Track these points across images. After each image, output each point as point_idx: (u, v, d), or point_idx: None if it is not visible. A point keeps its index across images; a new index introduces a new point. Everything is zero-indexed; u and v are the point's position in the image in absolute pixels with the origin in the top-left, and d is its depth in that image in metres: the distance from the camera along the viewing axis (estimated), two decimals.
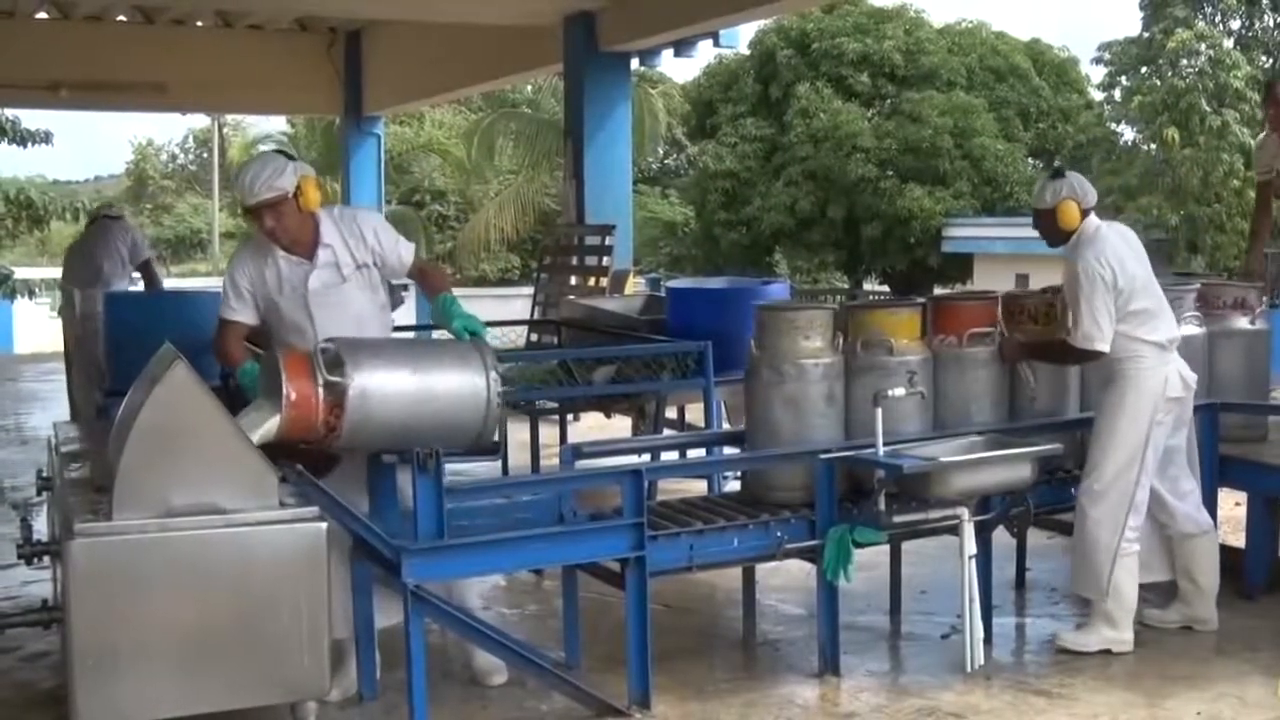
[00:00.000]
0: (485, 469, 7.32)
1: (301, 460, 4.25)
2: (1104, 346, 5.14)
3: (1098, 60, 27.42)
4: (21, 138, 18.33)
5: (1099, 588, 5.23)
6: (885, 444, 4.84)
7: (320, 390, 4.18)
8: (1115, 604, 5.22)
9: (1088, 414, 5.49)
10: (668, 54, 12.23)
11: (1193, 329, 5.91)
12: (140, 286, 10.03)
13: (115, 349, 6.69)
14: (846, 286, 28.44)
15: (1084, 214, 5.26)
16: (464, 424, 4.39)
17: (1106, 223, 5.32)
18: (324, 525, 4.12)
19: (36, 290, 19.79)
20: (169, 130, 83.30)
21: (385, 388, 4.26)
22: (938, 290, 23.52)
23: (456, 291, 4.98)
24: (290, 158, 4.83)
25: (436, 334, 5.59)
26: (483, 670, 4.99)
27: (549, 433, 8.20)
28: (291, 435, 4.18)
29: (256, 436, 4.12)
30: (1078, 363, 5.47)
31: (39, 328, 21.16)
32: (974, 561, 4.95)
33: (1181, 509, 5.44)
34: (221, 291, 4.94)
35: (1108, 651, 5.22)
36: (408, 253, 4.97)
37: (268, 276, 4.80)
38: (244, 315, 4.84)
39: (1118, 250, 5.18)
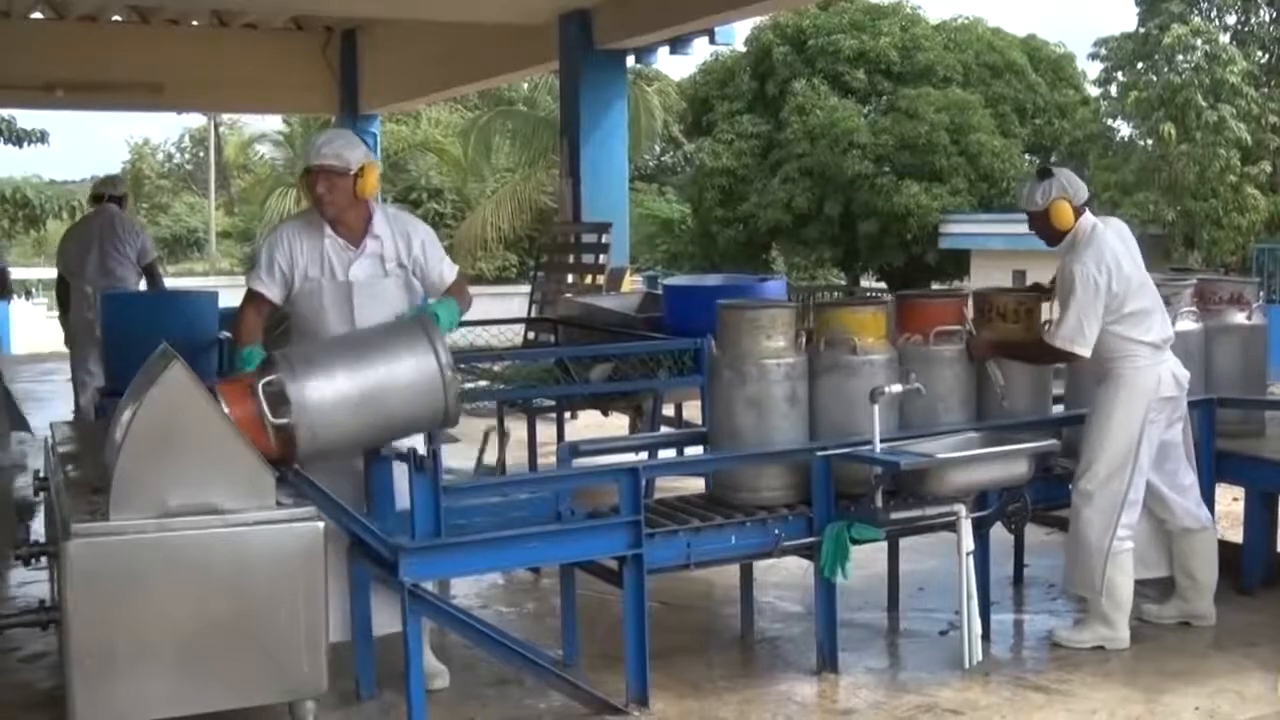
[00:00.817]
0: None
1: None
2: (1084, 351, 5.13)
3: (1094, 56, 27.42)
4: (17, 137, 18.32)
5: (1093, 587, 5.23)
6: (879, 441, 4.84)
7: (270, 432, 4.20)
8: (1110, 603, 5.21)
9: (1079, 411, 5.49)
10: (663, 51, 12.22)
11: (1190, 324, 5.91)
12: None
13: (113, 348, 6.69)
14: (843, 283, 28.45)
15: (1078, 211, 5.24)
16: (426, 409, 4.38)
17: (1102, 220, 5.29)
18: (321, 524, 4.12)
19: (33, 290, 19.76)
20: (165, 130, 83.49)
21: (334, 413, 4.25)
22: (935, 287, 23.55)
23: None
24: (367, 145, 4.91)
25: None
26: (426, 674, 4.94)
27: (546, 431, 8.20)
28: None
29: None
30: (1052, 362, 5.43)
31: (36, 327, 21.13)
32: (971, 558, 4.95)
33: (1181, 504, 5.44)
34: (254, 260, 4.93)
35: (1104, 647, 5.23)
36: (450, 272, 4.97)
37: (318, 251, 4.78)
38: (270, 290, 4.82)
39: (1115, 254, 5.15)
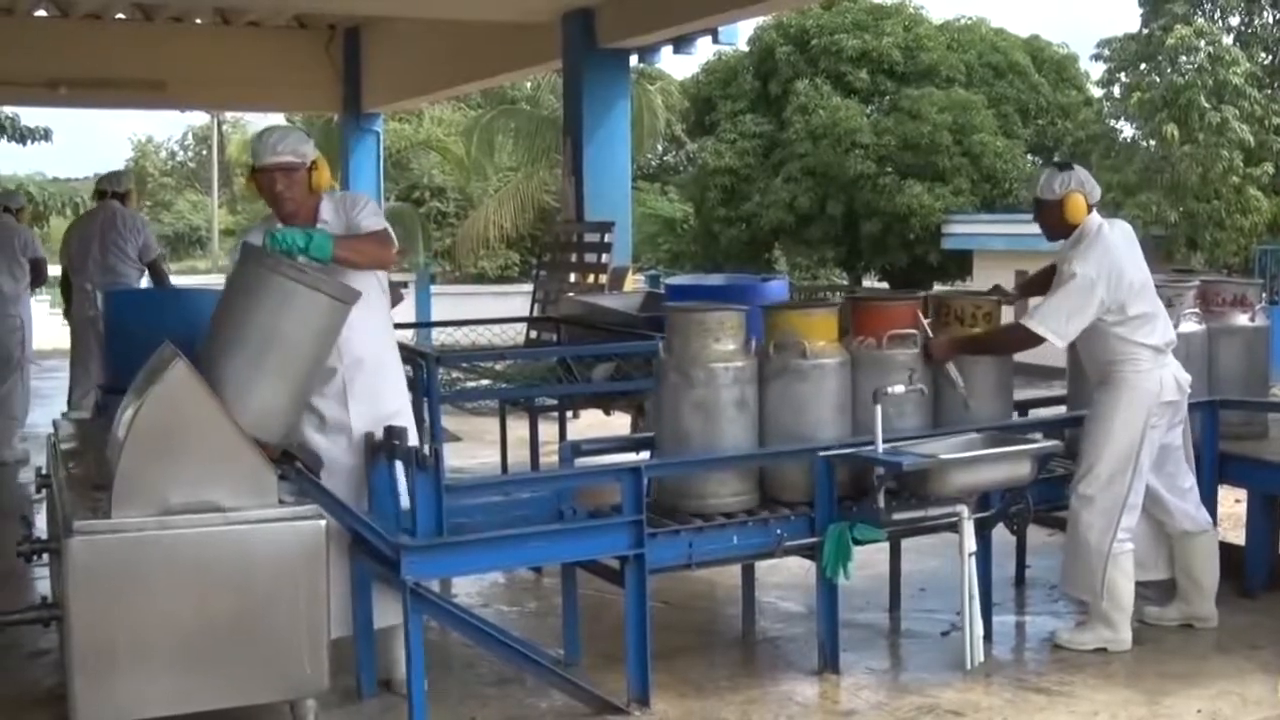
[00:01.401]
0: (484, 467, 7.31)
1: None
2: (1058, 341, 5.12)
3: (1097, 57, 27.40)
4: (21, 135, 18.30)
5: (1092, 589, 5.22)
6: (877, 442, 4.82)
7: None
8: (1111, 605, 5.21)
9: (1081, 412, 5.48)
10: (667, 50, 12.21)
11: (1192, 326, 5.91)
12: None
13: (114, 345, 6.68)
14: (845, 283, 28.45)
15: (1088, 209, 5.23)
16: (314, 309, 4.26)
17: (1108, 221, 5.28)
18: (323, 523, 4.13)
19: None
20: (169, 127, 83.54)
21: (238, 375, 4.16)
22: (938, 287, 23.55)
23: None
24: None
25: None
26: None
27: (548, 430, 8.18)
28: None
29: None
30: (1019, 348, 5.34)
31: (37, 324, 21.07)
32: (974, 558, 4.95)
33: (1180, 507, 5.43)
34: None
35: (1106, 649, 5.23)
36: (370, 224, 4.79)
37: None
38: None
39: (1119, 255, 5.13)
